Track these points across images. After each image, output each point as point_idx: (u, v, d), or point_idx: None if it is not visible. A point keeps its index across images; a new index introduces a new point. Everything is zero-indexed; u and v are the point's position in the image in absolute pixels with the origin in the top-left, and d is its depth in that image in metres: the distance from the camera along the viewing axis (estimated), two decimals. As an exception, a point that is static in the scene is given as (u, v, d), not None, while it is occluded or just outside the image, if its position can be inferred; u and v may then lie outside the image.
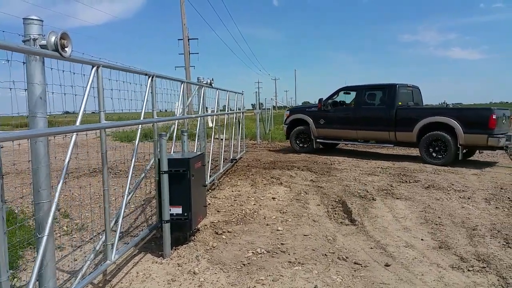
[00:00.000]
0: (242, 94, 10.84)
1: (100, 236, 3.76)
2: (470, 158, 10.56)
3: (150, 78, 4.20)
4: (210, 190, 6.91)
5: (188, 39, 46.75)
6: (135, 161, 3.91)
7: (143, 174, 4.63)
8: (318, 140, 11.88)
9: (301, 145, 12.35)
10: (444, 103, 12.87)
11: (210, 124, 7.54)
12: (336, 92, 11.89)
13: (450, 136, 9.40)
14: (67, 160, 2.80)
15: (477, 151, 10.51)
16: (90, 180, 8.17)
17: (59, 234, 4.81)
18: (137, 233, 4.60)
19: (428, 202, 5.93)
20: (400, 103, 10.63)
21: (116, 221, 3.72)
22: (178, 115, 5.48)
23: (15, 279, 3.52)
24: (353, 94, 11.70)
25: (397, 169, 8.77)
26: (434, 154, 9.69)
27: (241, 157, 10.74)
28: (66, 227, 5.12)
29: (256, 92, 17.08)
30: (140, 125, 4.29)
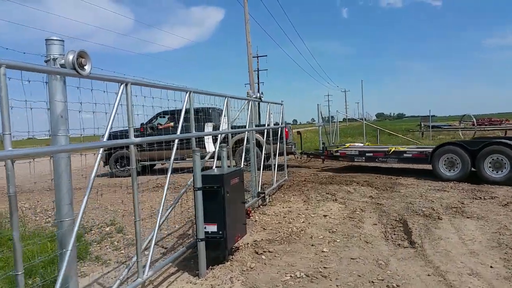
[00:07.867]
0: (282, 104, 9.51)
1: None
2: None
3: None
4: (260, 206, 6.73)
5: (258, 56, 48.39)
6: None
7: (183, 190, 4.60)
8: (141, 163, 11.57)
9: (121, 169, 12.34)
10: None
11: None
12: (155, 116, 12.32)
13: (258, 147, 10.43)
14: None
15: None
16: (151, 195, 8.46)
17: (109, 249, 4.95)
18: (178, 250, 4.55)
19: (505, 222, 5.13)
20: None
21: (150, 241, 3.69)
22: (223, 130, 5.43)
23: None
24: (167, 118, 12.30)
25: (471, 184, 7.84)
26: (246, 163, 10.62)
27: (282, 185, 8.79)
28: (117, 242, 5.25)
29: (318, 104, 16.47)
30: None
